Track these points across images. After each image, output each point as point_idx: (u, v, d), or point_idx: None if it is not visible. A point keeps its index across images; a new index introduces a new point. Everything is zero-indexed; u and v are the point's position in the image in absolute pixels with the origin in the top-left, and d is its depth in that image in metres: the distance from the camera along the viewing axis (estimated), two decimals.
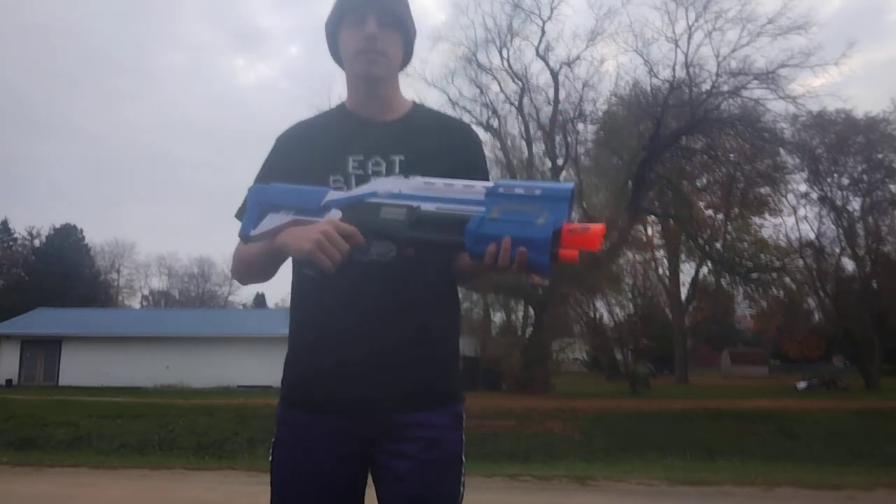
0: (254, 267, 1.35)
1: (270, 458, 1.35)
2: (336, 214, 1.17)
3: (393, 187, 1.15)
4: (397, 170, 1.31)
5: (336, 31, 1.37)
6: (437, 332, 1.33)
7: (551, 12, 22.56)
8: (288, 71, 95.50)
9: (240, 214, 1.30)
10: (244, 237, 1.24)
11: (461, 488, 1.33)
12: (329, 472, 1.30)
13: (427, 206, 1.12)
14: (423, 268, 1.28)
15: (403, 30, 1.36)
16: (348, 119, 1.40)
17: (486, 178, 1.38)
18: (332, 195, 1.20)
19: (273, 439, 1.36)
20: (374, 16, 1.31)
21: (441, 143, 1.37)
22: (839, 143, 25.76)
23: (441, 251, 1.19)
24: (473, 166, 1.38)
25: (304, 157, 1.35)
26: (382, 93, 1.38)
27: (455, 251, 1.13)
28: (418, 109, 1.45)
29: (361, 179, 1.29)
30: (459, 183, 1.12)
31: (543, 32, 22.81)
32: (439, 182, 1.13)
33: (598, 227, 1.04)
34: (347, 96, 1.43)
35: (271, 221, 1.21)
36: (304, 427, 1.31)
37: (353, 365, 1.27)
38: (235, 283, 57.28)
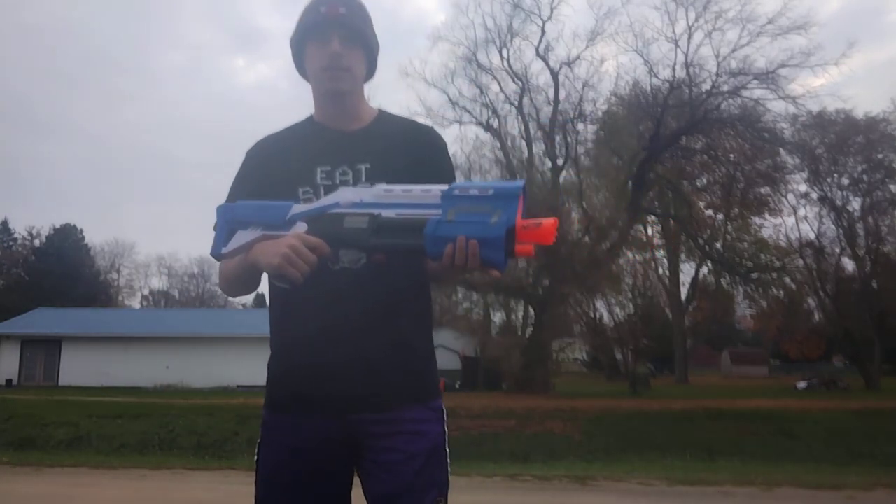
0: (234, 282, 1.38)
1: (256, 459, 1.39)
2: (301, 227, 1.21)
3: (354, 196, 1.20)
4: (364, 178, 1.36)
5: (301, 47, 1.42)
6: (411, 332, 1.38)
7: (551, 12, 22.60)
8: (288, 71, 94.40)
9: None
10: (215, 256, 1.28)
11: (446, 479, 1.37)
12: (315, 471, 1.34)
13: (387, 213, 1.16)
14: (393, 272, 1.30)
15: (366, 46, 1.41)
16: (315, 130, 1.44)
17: (452, 180, 1.39)
18: (297, 208, 1.24)
19: (258, 440, 1.40)
20: (337, 34, 1.36)
21: (405, 149, 1.41)
22: (839, 143, 25.74)
23: (406, 255, 1.22)
24: (438, 169, 1.41)
25: (273, 171, 1.40)
26: (348, 105, 1.43)
27: (417, 254, 1.16)
28: (383, 117, 1.49)
29: (329, 189, 1.33)
30: (418, 188, 1.17)
31: (543, 32, 22.85)
32: (398, 188, 1.18)
33: (550, 221, 1.08)
34: (314, 108, 1.47)
35: (240, 238, 1.25)
36: (289, 428, 1.35)
37: (330, 369, 1.30)
38: None
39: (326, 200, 1.23)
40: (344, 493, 1.38)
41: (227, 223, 1.27)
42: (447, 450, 1.38)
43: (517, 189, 1.11)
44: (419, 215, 1.13)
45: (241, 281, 1.36)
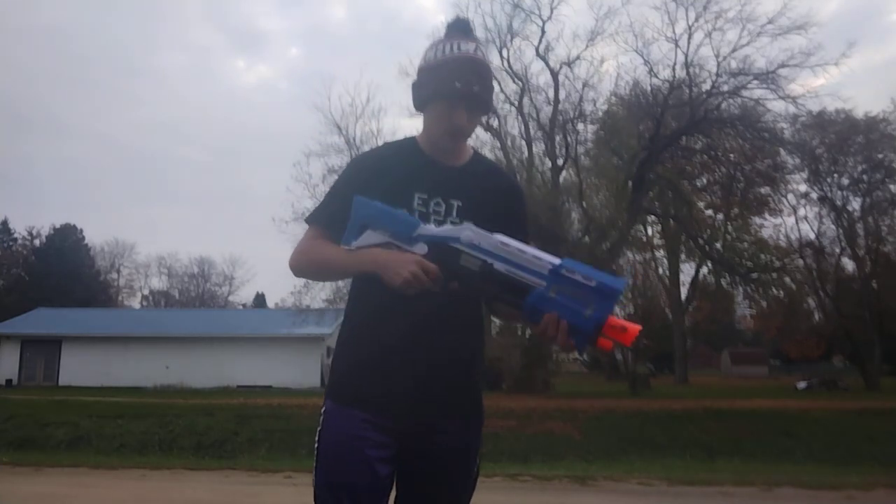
0: (331, 272, 1.53)
1: (316, 445, 1.47)
2: (422, 249, 1.32)
3: (475, 238, 1.29)
4: (455, 213, 1.47)
5: (428, 98, 1.48)
6: (476, 355, 1.53)
7: (551, 12, 22.57)
8: (288, 72, 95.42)
9: (313, 217, 1.54)
10: (346, 247, 1.40)
11: (473, 488, 1.55)
12: (371, 460, 1.40)
13: (499, 266, 1.26)
14: (469, 302, 1.47)
15: (487, 110, 1.54)
16: (418, 157, 1.54)
17: (525, 229, 1.59)
18: (423, 229, 1.35)
19: (319, 428, 1.47)
20: (467, 108, 1.45)
21: (494, 195, 1.54)
22: (839, 143, 25.75)
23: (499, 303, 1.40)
24: (519, 222, 1.56)
25: (375, 187, 1.46)
26: (455, 150, 1.56)
27: (511, 309, 1.29)
28: (478, 158, 1.62)
29: (423, 216, 1.44)
30: (531, 252, 1.27)
31: (543, 32, 22.83)
32: (514, 246, 1.27)
33: (634, 328, 1.19)
34: (422, 136, 1.55)
35: (369, 238, 1.37)
36: (352, 420, 1.43)
37: (412, 376, 1.42)
38: (235, 282, 57.25)
39: (449, 233, 1.32)
40: (388, 488, 1.45)
41: (360, 218, 1.38)
42: (478, 461, 1.55)
43: (618, 291, 1.20)
44: (526, 279, 1.24)
45: (338, 274, 1.52)
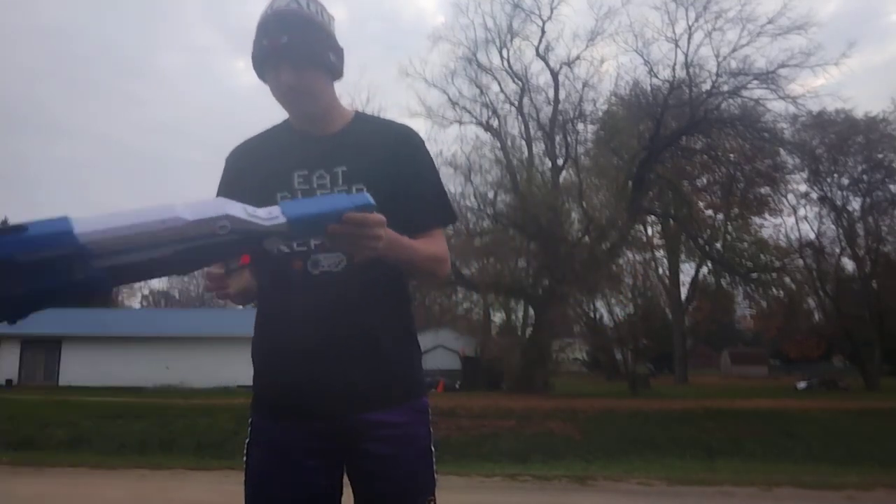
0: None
1: (245, 458, 1.40)
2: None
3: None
4: (341, 181, 1.37)
5: (261, 70, 1.39)
6: (391, 333, 1.39)
7: (551, 12, 22.63)
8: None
9: None
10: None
11: (434, 478, 1.39)
12: (304, 471, 1.34)
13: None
14: (375, 272, 1.33)
15: (322, 63, 1.37)
16: (291, 135, 1.45)
17: (434, 176, 1.46)
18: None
19: (247, 440, 1.41)
20: (287, 64, 1.33)
21: (382, 149, 1.41)
22: (839, 143, 25.75)
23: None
24: (415, 165, 1.43)
25: (252, 176, 1.41)
26: (317, 117, 1.43)
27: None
28: (360, 119, 1.49)
29: (307, 193, 1.35)
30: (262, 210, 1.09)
31: (543, 32, 22.87)
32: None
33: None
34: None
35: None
36: (278, 430, 1.36)
37: (317, 372, 1.32)
38: None
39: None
40: (333, 494, 1.38)
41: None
42: (433, 449, 1.40)
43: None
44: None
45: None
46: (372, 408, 1.33)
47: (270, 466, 1.36)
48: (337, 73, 1.43)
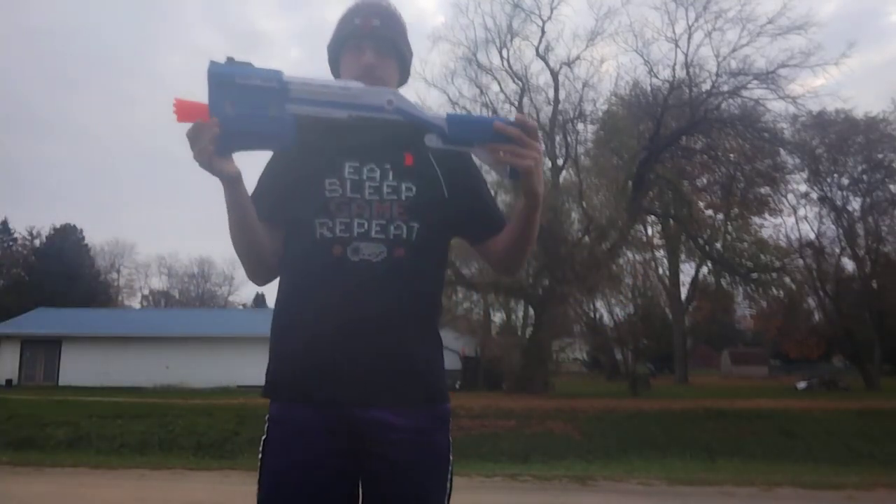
0: (232, 221, 1.36)
1: (260, 456, 1.36)
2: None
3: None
4: (390, 176, 1.38)
5: (337, 56, 1.48)
6: (419, 332, 1.38)
7: (551, 12, 22.56)
8: (289, 73, 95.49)
9: None
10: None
11: (447, 486, 1.37)
12: (321, 470, 1.31)
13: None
14: (412, 271, 1.34)
15: (400, 56, 1.47)
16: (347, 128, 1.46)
17: (485, 183, 1.50)
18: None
19: (263, 437, 1.37)
20: (372, 46, 1.41)
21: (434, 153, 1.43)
22: (839, 143, 25.74)
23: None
24: (474, 170, 1.47)
25: (303, 161, 1.40)
26: None
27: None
28: None
29: (357, 185, 1.36)
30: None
31: (543, 32, 22.82)
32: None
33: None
34: None
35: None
36: (296, 424, 1.33)
37: (342, 360, 1.30)
38: (235, 282, 57.21)
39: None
40: (349, 496, 1.35)
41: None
42: (450, 458, 1.38)
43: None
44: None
45: (232, 211, 1.34)
46: (389, 402, 1.31)
47: (287, 464, 1.32)
48: (405, 72, 1.52)
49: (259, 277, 1.43)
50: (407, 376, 1.34)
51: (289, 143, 1.18)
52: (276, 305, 1.42)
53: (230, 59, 1.16)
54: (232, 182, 1.24)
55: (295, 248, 1.38)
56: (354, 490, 1.35)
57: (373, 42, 1.41)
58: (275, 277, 1.43)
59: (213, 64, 1.14)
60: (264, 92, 1.15)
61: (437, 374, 1.41)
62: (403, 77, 1.51)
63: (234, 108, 1.13)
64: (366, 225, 1.33)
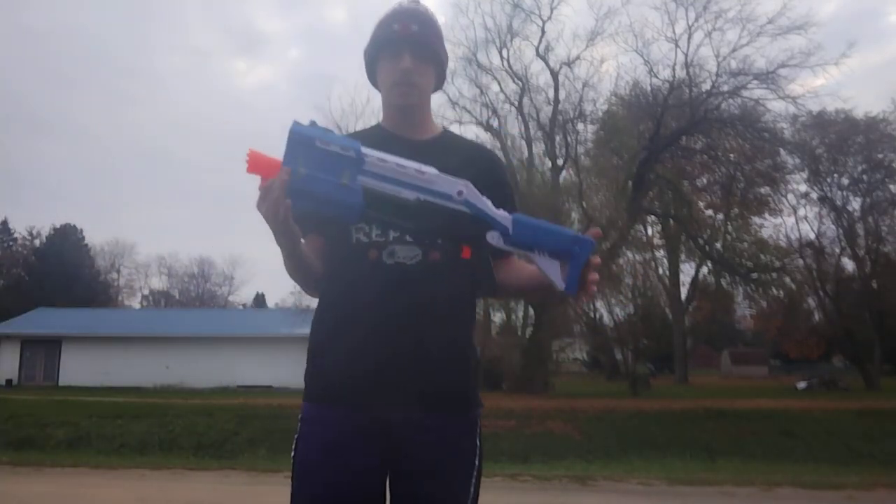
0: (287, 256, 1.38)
1: (293, 454, 1.38)
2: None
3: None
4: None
5: (374, 60, 1.50)
6: (458, 339, 1.40)
7: (551, 12, 22.56)
8: (288, 73, 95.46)
9: None
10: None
11: (472, 490, 1.39)
12: (351, 468, 1.33)
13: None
14: (447, 275, 1.36)
15: (437, 62, 1.49)
16: (383, 137, 1.48)
17: (512, 196, 1.51)
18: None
19: (296, 436, 1.39)
20: (409, 51, 1.43)
21: (466, 165, 1.41)
22: (839, 143, 25.72)
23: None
24: (499, 186, 1.45)
25: None
26: (416, 118, 1.51)
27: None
28: (449, 133, 1.59)
29: None
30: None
31: (543, 32, 22.82)
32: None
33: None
34: (383, 117, 1.54)
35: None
36: (328, 422, 1.35)
37: (374, 365, 1.32)
38: (235, 282, 57.28)
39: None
40: (379, 492, 1.38)
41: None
42: (476, 463, 1.40)
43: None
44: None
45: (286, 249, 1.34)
46: (419, 406, 1.33)
47: (318, 461, 1.35)
48: (441, 78, 1.54)
49: (316, 291, 1.46)
50: (439, 381, 1.35)
51: (354, 214, 1.17)
52: (316, 310, 1.45)
53: (313, 123, 1.18)
54: (292, 239, 1.25)
55: (334, 254, 1.41)
56: (382, 488, 1.38)
57: (411, 48, 1.42)
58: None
59: (296, 124, 1.16)
60: (340, 159, 1.16)
61: (469, 379, 1.43)
62: (439, 82, 1.53)
63: (308, 168, 1.14)
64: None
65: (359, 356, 1.33)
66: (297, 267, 1.36)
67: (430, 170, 1.20)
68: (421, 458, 1.33)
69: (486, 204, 1.22)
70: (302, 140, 1.14)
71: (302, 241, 1.34)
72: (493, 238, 1.22)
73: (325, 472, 1.33)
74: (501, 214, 1.22)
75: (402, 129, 1.49)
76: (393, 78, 1.43)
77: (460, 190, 1.20)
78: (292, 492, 1.37)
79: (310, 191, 1.14)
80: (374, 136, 1.47)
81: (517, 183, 21.00)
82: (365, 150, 1.18)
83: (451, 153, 1.45)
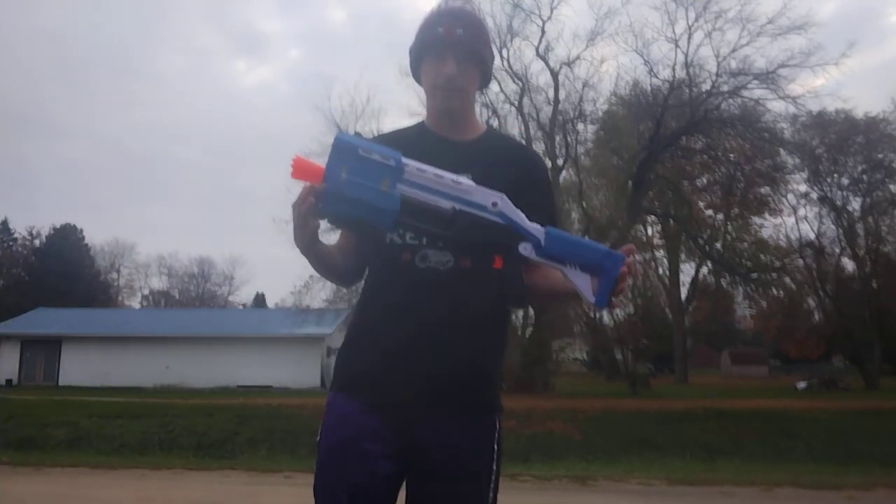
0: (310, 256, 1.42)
1: (318, 439, 1.42)
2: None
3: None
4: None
5: (418, 59, 1.49)
6: (485, 344, 1.42)
7: (551, 12, 22.54)
8: (288, 74, 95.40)
9: None
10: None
11: (490, 493, 1.41)
12: (371, 454, 1.35)
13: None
14: (477, 283, 1.37)
15: (482, 64, 1.48)
16: (426, 136, 1.51)
17: (551, 197, 1.54)
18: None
19: (321, 424, 1.43)
20: (454, 55, 1.42)
21: (509, 165, 1.47)
22: (839, 143, 25.72)
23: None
24: (540, 189, 1.50)
25: None
26: (459, 120, 1.51)
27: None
28: (491, 132, 1.61)
29: None
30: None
31: (543, 32, 22.80)
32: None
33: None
34: (427, 115, 1.55)
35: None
36: (353, 411, 1.38)
37: (401, 364, 1.36)
38: (235, 282, 57.26)
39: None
40: (393, 487, 1.40)
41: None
42: (494, 468, 1.41)
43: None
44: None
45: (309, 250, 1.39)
46: (442, 408, 1.36)
47: (341, 448, 1.37)
48: (486, 79, 1.54)
49: (345, 285, 1.53)
50: (464, 385, 1.38)
51: (390, 221, 1.21)
52: (355, 306, 1.51)
53: (357, 133, 1.25)
54: (312, 243, 1.28)
55: (371, 253, 1.44)
56: (398, 483, 1.40)
57: (454, 52, 1.42)
58: (357, 277, 1.51)
59: (341, 132, 1.23)
60: (381, 167, 1.20)
61: (494, 386, 1.46)
62: (484, 82, 1.53)
63: (349, 174, 1.19)
64: None
65: (386, 354, 1.36)
66: (323, 271, 1.44)
67: (467, 181, 1.25)
68: (440, 460, 1.35)
69: (520, 216, 1.25)
70: (345, 148, 1.20)
71: (328, 252, 1.40)
72: (525, 249, 1.25)
73: (346, 459, 1.36)
74: (535, 227, 1.26)
75: (445, 130, 1.50)
76: (436, 81, 1.44)
77: (495, 201, 1.24)
78: (315, 476, 1.41)
79: (348, 195, 1.19)
80: (417, 136, 1.51)
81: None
82: (405, 160, 1.22)
83: (492, 154, 1.48)
